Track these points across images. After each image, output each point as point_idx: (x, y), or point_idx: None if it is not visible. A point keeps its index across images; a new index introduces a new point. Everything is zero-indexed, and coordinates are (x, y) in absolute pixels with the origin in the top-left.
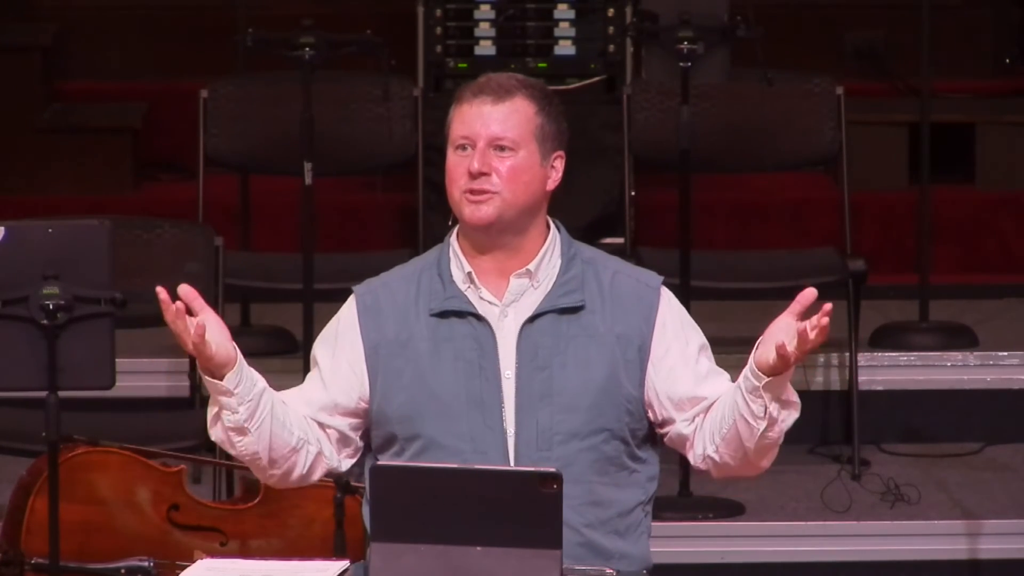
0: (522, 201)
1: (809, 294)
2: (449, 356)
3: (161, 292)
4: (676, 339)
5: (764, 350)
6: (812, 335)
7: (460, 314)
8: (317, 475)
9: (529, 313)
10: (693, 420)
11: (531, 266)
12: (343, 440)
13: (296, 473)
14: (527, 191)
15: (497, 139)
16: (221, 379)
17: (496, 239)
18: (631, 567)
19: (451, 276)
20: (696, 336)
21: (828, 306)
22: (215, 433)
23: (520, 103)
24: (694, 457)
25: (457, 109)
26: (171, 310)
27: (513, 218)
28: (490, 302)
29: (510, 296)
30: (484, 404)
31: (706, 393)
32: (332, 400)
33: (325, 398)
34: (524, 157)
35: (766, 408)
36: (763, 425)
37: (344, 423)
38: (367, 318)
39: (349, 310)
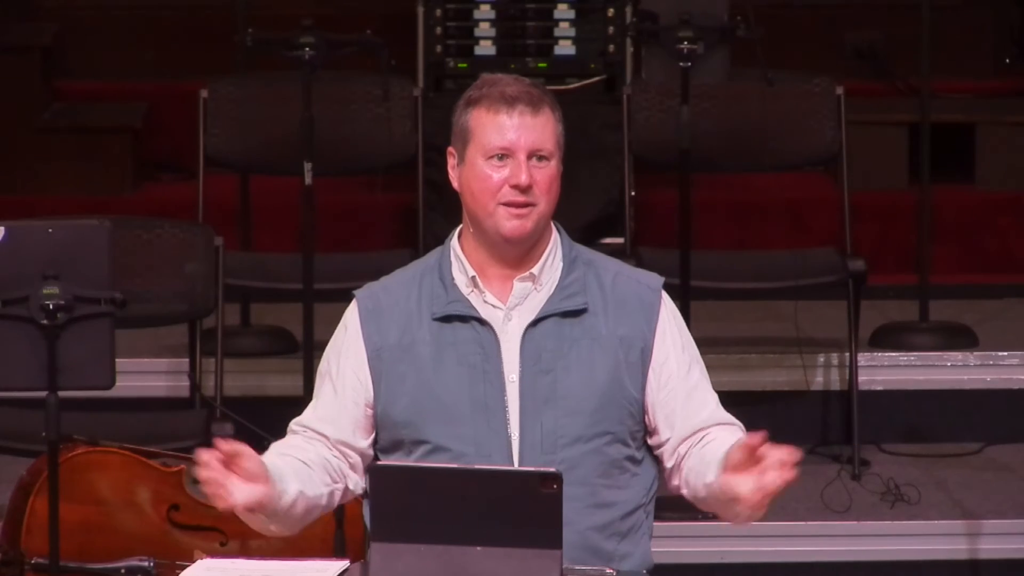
0: (551, 210)
1: (756, 438)
2: (452, 361)
3: (204, 459)
4: (675, 346)
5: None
6: (768, 480)
7: (463, 318)
8: (341, 500)
9: (532, 316)
10: (675, 451)
11: (535, 270)
12: (367, 461)
13: (328, 510)
14: (555, 199)
15: (537, 150)
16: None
17: (518, 248)
18: (632, 567)
19: (452, 280)
20: (691, 345)
21: (797, 455)
22: (266, 532)
23: (548, 112)
24: (670, 485)
25: (488, 117)
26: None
27: (542, 228)
28: (494, 305)
29: (514, 299)
30: (488, 408)
31: (693, 418)
32: (349, 421)
33: (344, 420)
34: (554, 166)
35: (737, 513)
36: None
37: (366, 444)
38: (369, 322)
39: (352, 315)
